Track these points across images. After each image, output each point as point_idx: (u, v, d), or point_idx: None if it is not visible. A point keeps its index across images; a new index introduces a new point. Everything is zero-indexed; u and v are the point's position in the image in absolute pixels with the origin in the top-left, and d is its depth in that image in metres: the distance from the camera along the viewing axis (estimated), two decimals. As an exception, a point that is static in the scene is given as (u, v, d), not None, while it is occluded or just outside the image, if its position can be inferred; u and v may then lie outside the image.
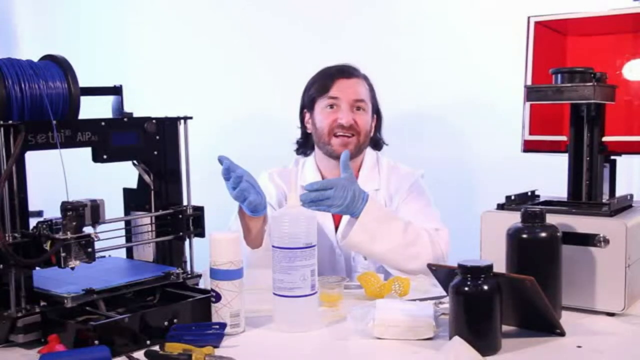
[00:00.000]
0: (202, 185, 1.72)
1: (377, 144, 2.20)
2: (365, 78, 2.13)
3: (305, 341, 1.40)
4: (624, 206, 1.62)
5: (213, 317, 1.42)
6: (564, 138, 1.78)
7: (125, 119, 1.53)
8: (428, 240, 1.89)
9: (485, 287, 1.27)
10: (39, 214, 1.78)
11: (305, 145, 2.20)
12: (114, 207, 1.53)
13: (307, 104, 2.13)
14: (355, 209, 1.81)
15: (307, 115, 2.14)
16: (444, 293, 1.44)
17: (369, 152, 2.16)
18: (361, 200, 1.82)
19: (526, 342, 1.34)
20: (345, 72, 2.10)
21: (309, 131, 2.15)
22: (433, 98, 2.69)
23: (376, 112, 2.16)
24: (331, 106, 2.06)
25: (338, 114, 2.05)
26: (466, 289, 1.28)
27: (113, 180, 1.61)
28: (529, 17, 1.87)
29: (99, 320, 1.30)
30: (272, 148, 2.34)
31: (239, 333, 1.42)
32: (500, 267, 1.40)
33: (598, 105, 1.64)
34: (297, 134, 2.22)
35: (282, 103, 2.23)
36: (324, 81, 2.09)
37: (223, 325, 1.38)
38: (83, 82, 1.47)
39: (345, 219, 1.92)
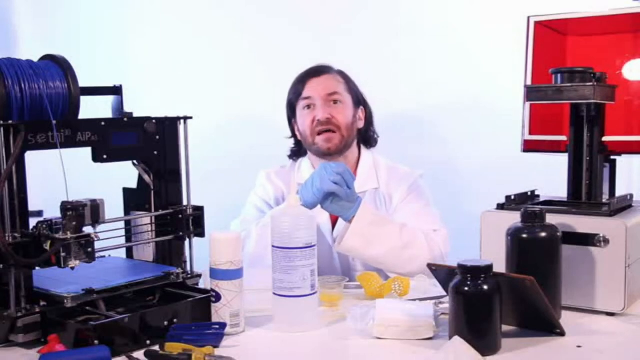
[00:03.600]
0: (202, 185, 1.72)
1: (368, 140, 2.20)
2: (340, 72, 2.15)
3: (305, 341, 1.40)
4: (624, 206, 1.61)
5: (213, 317, 1.42)
6: (564, 138, 1.78)
7: (125, 119, 1.53)
8: (424, 241, 1.89)
9: (485, 287, 1.27)
10: (39, 214, 1.78)
11: (298, 153, 2.23)
12: (114, 207, 1.53)
13: (289, 112, 2.18)
14: (346, 209, 1.81)
15: (294, 123, 2.17)
16: (444, 293, 1.44)
17: (365, 152, 2.16)
18: (353, 203, 1.82)
19: (526, 342, 1.34)
20: (316, 71, 2.12)
21: (299, 138, 2.17)
22: (433, 98, 2.69)
23: (362, 104, 2.16)
24: (308, 107, 2.09)
25: (314, 112, 2.07)
26: (466, 289, 1.28)
27: (113, 180, 1.61)
28: (529, 17, 1.87)
29: (99, 320, 1.30)
30: (271, 148, 2.34)
31: (239, 333, 1.42)
32: (500, 267, 1.40)
33: (598, 105, 1.64)
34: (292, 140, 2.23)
35: (281, 103, 2.23)
36: (297, 85, 2.13)
37: (223, 325, 1.38)
38: (83, 82, 1.47)
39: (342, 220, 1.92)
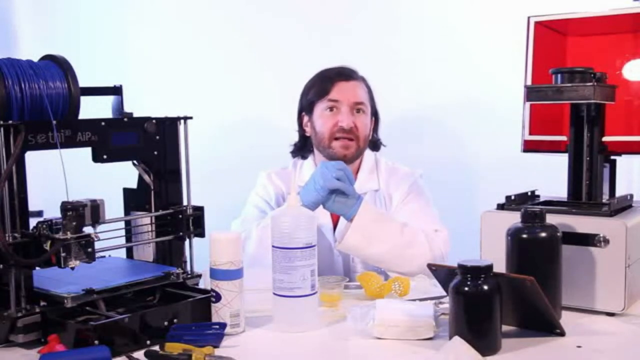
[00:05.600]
0: (202, 185, 1.72)
1: (375, 145, 2.20)
2: (364, 80, 2.13)
3: (305, 341, 1.40)
4: (624, 206, 1.61)
5: (213, 317, 1.42)
6: (564, 138, 1.78)
7: (125, 119, 1.53)
8: (425, 241, 1.89)
9: (485, 287, 1.27)
10: (39, 214, 1.78)
11: (302, 148, 2.19)
12: (114, 207, 1.53)
13: (306, 107, 2.13)
14: (348, 207, 1.81)
15: (306, 119, 2.14)
16: (444, 293, 1.44)
17: (367, 153, 2.16)
18: (355, 201, 1.82)
19: (526, 342, 1.34)
20: (345, 74, 2.09)
21: (307, 134, 2.15)
22: (433, 98, 2.69)
23: (374, 114, 2.16)
24: (331, 109, 2.06)
25: (338, 117, 2.04)
26: (466, 289, 1.28)
27: (113, 180, 1.61)
28: (529, 17, 1.87)
29: (99, 320, 1.30)
30: (271, 148, 2.35)
31: (239, 333, 1.42)
32: (500, 267, 1.40)
33: (598, 105, 1.64)
34: (297, 134, 2.22)
35: (281, 103, 2.24)
36: (323, 84, 2.08)
37: (223, 325, 1.38)
38: (83, 82, 1.47)
39: (343, 219, 1.92)
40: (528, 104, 1.84)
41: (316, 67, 2.15)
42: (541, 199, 1.72)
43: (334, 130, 2.04)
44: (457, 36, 2.63)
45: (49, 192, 1.59)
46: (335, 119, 2.05)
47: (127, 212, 1.62)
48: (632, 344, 1.37)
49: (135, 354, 1.29)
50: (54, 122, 1.35)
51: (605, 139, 1.68)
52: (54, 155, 1.34)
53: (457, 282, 1.29)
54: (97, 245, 1.35)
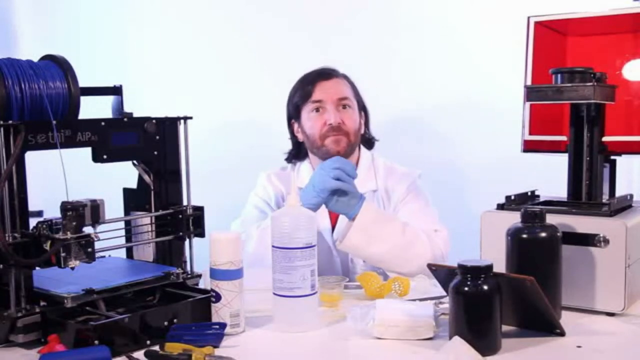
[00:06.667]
0: (202, 185, 1.72)
1: (368, 142, 2.20)
2: (345, 77, 2.14)
3: (305, 341, 1.40)
4: (624, 206, 1.61)
5: (213, 317, 1.42)
6: (564, 138, 1.78)
7: (125, 119, 1.53)
8: (426, 241, 1.89)
9: (485, 287, 1.27)
10: (39, 214, 1.78)
11: (297, 155, 2.20)
12: (114, 207, 1.53)
13: (293, 114, 2.14)
14: (351, 207, 1.81)
15: (296, 125, 2.14)
16: (444, 293, 1.44)
17: (364, 152, 2.16)
18: (357, 200, 1.82)
19: (526, 342, 1.34)
20: (325, 74, 2.10)
21: (300, 140, 2.15)
22: (433, 98, 2.69)
23: (362, 109, 2.16)
24: (317, 110, 2.06)
25: (325, 116, 2.05)
26: (466, 289, 1.28)
27: (113, 180, 1.61)
28: (529, 17, 1.87)
29: (99, 320, 1.30)
30: (271, 148, 2.34)
31: (239, 333, 1.42)
32: (500, 267, 1.40)
33: (598, 105, 1.64)
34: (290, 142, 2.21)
35: (281, 103, 2.23)
36: (305, 87, 2.09)
37: (223, 325, 1.38)
38: (83, 82, 1.47)
39: (342, 220, 1.92)
40: (528, 104, 1.84)
41: (317, 67, 2.15)
42: (541, 199, 1.72)
43: (324, 130, 2.05)
44: (457, 36, 2.63)
45: (49, 192, 1.59)
46: (322, 118, 2.05)
47: (127, 212, 1.62)
48: (632, 344, 1.37)
49: (135, 354, 1.29)
50: (54, 122, 1.35)
51: (605, 139, 1.68)
52: (54, 155, 1.34)
53: (457, 282, 1.29)
54: (97, 245, 1.35)
